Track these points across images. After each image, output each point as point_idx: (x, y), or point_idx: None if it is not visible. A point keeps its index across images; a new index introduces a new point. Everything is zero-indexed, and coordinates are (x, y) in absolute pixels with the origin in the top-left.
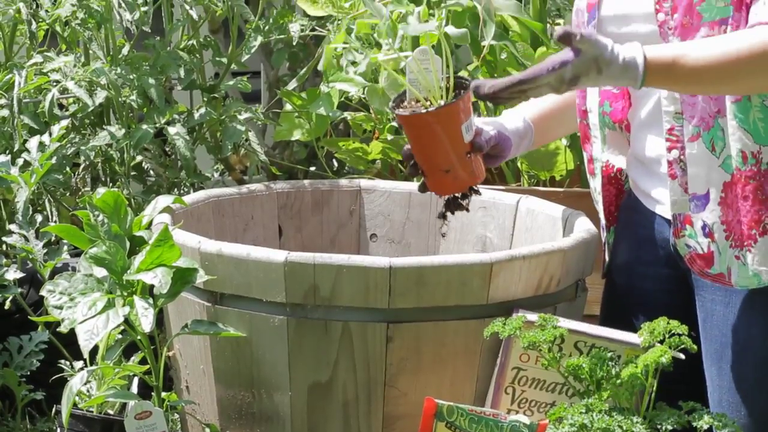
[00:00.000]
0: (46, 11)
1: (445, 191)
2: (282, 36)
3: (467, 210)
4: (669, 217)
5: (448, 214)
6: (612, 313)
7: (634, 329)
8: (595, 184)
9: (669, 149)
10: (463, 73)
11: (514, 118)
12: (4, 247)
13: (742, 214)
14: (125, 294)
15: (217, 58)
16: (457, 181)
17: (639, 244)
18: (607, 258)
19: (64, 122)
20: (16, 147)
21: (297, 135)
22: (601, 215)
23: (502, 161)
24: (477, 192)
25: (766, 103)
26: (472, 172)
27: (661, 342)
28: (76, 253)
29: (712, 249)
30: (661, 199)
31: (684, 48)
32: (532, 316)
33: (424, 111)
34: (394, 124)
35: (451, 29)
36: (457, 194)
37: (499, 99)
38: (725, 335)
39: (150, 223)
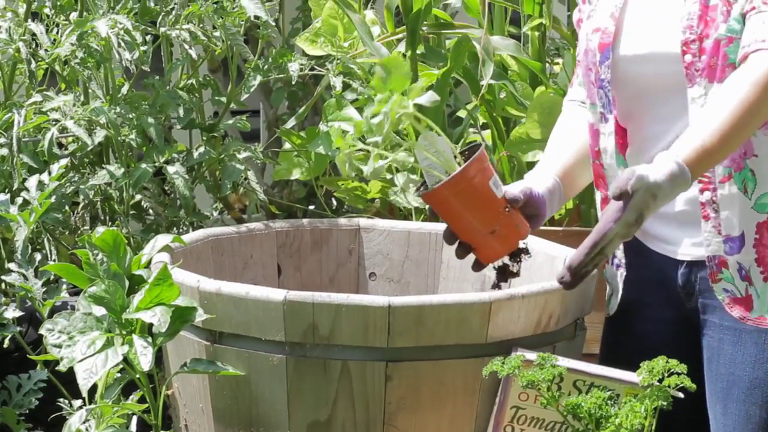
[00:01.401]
0: (46, 50)
1: (497, 255)
2: (281, 75)
3: (518, 275)
4: (675, 257)
5: (502, 284)
6: (613, 356)
7: (634, 369)
8: None
9: (701, 191)
10: (462, 113)
11: (541, 178)
12: (3, 285)
13: None
14: (124, 333)
15: (217, 97)
16: (506, 240)
17: (642, 286)
18: (612, 295)
19: (64, 161)
20: (16, 186)
21: (296, 174)
22: (619, 252)
23: (543, 220)
24: (527, 252)
25: None
26: (516, 226)
27: (660, 381)
28: (75, 291)
29: (750, 292)
30: (667, 239)
31: (700, 129)
32: (531, 355)
33: (445, 180)
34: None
35: (423, 99)
36: (507, 259)
37: (587, 271)
38: (733, 374)
39: (149, 262)
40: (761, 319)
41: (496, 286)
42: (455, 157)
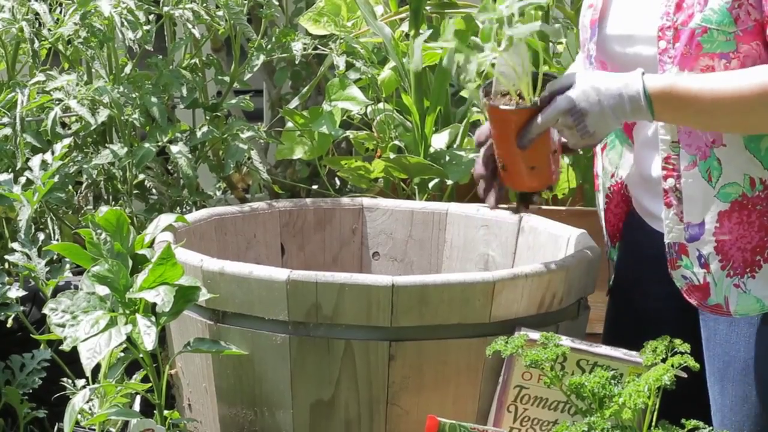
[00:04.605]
0: (49, 30)
1: (523, 187)
2: (284, 55)
3: (539, 205)
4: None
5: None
6: (615, 332)
7: (637, 348)
8: (599, 200)
9: (665, 177)
10: (465, 93)
11: None
12: (6, 265)
13: (746, 240)
14: (128, 312)
15: (220, 77)
16: (538, 178)
17: (643, 264)
18: (612, 275)
19: (67, 141)
20: (19, 165)
21: (299, 153)
22: (605, 232)
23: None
24: (551, 189)
25: None
26: (553, 172)
27: (664, 360)
28: (79, 271)
29: (708, 280)
30: (661, 216)
31: (695, 76)
32: (535, 335)
33: (520, 106)
34: (397, 143)
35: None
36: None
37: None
38: (728, 354)
39: (152, 242)
40: (717, 307)
41: (517, 212)
42: (535, 82)
